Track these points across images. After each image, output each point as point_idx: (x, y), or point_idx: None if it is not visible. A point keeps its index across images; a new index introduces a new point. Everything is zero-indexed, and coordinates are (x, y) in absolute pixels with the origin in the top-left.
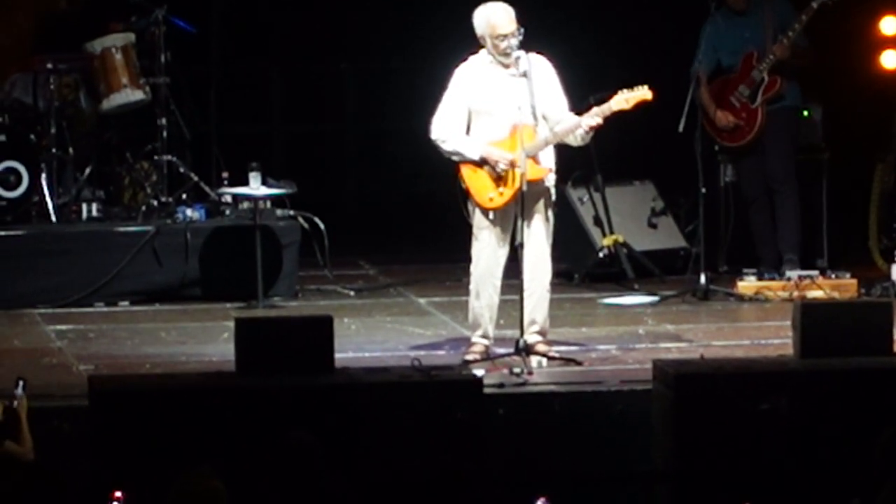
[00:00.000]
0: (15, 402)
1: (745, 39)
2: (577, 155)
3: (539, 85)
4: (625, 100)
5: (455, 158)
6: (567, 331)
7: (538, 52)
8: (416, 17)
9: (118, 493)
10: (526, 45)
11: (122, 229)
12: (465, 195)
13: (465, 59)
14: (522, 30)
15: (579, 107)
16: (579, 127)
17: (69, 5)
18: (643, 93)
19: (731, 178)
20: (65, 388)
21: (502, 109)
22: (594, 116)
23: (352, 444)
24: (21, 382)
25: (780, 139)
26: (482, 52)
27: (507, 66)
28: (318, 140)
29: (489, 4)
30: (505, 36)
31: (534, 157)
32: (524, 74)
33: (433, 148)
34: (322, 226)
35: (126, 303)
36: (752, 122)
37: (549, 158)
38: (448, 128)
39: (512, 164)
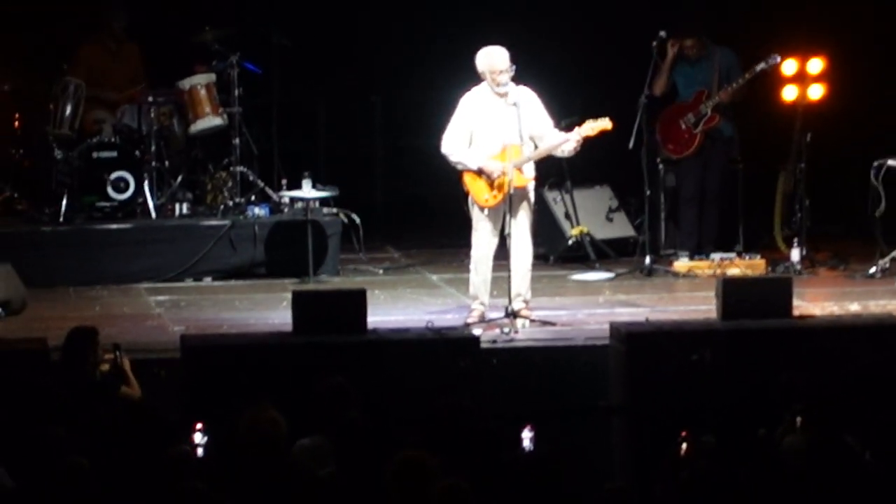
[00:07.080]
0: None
1: (698, 81)
2: (551, 165)
3: (527, 112)
4: (591, 128)
5: (459, 167)
6: (544, 300)
7: (525, 85)
8: (432, 59)
9: (199, 425)
10: (514, 79)
11: (205, 223)
12: (466, 196)
13: (468, 90)
14: (514, 67)
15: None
16: (567, 142)
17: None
18: (604, 123)
19: (671, 184)
20: (162, 345)
21: (496, 131)
22: (576, 136)
23: (380, 388)
24: (117, 349)
25: (719, 161)
26: (483, 84)
27: (502, 96)
28: (354, 154)
29: (490, 47)
30: (502, 71)
31: (520, 169)
32: (514, 104)
33: (441, 162)
34: (358, 220)
35: (209, 279)
36: (691, 142)
37: (531, 170)
38: (454, 144)
39: (503, 174)
